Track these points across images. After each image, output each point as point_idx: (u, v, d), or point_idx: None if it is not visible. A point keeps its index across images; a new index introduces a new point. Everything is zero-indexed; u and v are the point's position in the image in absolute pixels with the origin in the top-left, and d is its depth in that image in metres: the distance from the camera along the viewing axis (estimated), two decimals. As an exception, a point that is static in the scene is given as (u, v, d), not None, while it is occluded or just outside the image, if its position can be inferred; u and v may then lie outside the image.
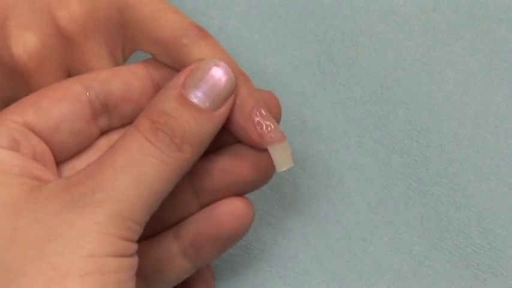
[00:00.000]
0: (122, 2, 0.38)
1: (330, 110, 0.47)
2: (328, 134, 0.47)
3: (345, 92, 0.48)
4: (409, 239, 0.44)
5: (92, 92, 0.37)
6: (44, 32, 0.38)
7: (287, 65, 0.48)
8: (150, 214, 0.34)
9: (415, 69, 0.48)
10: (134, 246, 0.33)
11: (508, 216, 0.45)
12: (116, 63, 0.40)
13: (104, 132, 0.38)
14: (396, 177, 0.46)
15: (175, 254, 0.38)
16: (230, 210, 0.38)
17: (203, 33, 0.37)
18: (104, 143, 0.38)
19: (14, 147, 0.35)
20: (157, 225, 0.38)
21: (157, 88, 0.38)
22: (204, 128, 0.35)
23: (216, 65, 0.36)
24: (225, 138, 0.38)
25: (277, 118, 0.38)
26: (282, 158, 0.37)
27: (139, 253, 0.35)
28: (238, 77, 0.37)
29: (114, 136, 0.38)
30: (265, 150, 0.37)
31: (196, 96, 0.35)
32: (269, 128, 0.37)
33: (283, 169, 0.37)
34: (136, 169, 0.33)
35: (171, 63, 0.38)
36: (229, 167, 0.38)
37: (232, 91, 0.36)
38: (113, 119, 0.38)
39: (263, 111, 0.37)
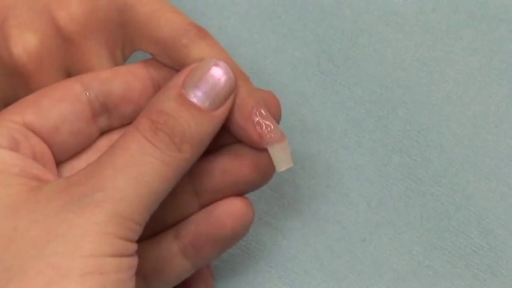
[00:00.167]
0: (121, 2, 0.38)
1: (329, 110, 0.47)
2: (327, 134, 0.47)
3: (344, 92, 0.48)
4: (409, 239, 0.44)
5: (92, 92, 0.37)
6: (44, 32, 0.38)
7: (287, 65, 0.48)
8: (150, 214, 0.34)
9: (415, 70, 0.48)
10: (134, 246, 0.33)
11: (507, 216, 0.45)
12: (116, 63, 0.40)
13: (103, 133, 0.38)
14: (396, 177, 0.46)
15: (175, 254, 0.38)
16: (230, 210, 0.38)
17: (203, 33, 0.37)
18: (103, 143, 0.38)
19: (14, 147, 0.35)
20: (157, 225, 0.38)
21: (157, 88, 0.38)
22: (204, 128, 0.35)
23: (216, 65, 0.36)
24: (225, 138, 0.38)
25: (277, 118, 0.38)
26: (281, 158, 0.37)
27: (140, 253, 0.35)
28: (238, 76, 0.37)
29: (114, 136, 0.38)
30: (265, 150, 0.37)
31: (196, 96, 0.35)
32: (269, 128, 0.37)
33: (283, 169, 0.37)
34: (136, 169, 0.33)
35: (170, 63, 0.38)
36: (229, 167, 0.38)
37: (232, 91, 0.36)
38: (113, 119, 0.38)
39: (263, 111, 0.37)
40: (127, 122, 0.38)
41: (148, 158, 0.33)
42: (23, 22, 0.38)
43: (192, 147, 0.35)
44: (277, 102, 0.38)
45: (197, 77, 0.35)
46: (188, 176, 0.38)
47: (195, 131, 0.35)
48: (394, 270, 0.44)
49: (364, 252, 0.44)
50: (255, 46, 0.49)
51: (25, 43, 0.38)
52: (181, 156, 0.34)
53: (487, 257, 0.44)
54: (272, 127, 0.37)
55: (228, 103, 0.36)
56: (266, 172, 0.38)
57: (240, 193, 0.38)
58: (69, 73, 0.39)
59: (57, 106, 0.37)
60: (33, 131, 0.36)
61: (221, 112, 0.36)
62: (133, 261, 0.33)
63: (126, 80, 0.38)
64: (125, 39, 0.39)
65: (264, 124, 0.37)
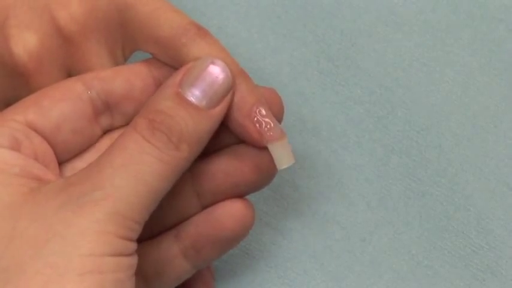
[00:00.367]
0: (121, 2, 0.38)
1: (329, 110, 0.47)
2: (327, 134, 0.47)
3: (344, 92, 0.48)
4: (408, 239, 0.44)
5: (93, 90, 0.37)
6: (44, 31, 0.38)
7: (286, 65, 0.48)
8: (149, 213, 0.34)
9: (414, 70, 0.48)
10: (133, 246, 0.33)
11: (507, 217, 0.45)
12: (116, 63, 0.39)
13: (106, 132, 0.38)
14: (395, 177, 0.46)
15: (175, 255, 0.38)
16: (230, 211, 0.38)
17: (202, 32, 0.37)
18: (106, 142, 0.38)
19: (15, 146, 0.35)
20: (159, 226, 0.38)
21: (159, 86, 0.38)
22: (202, 127, 0.35)
23: (213, 63, 0.36)
24: (226, 139, 0.38)
25: (279, 115, 0.38)
26: (282, 156, 0.37)
27: (140, 254, 0.35)
28: (238, 75, 0.36)
29: (116, 136, 0.38)
30: (266, 149, 0.37)
31: (193, 95, 0.35)
32: (268, 126, 0.37)
33: (284, 167, 0.37)
34: (135, 167, 0.33)
35: (171, 62, 0.38)
36: (231, 168, 0.38)
37: (230, 89, 0.36)
38: (115, 117, 0.38)
39: (262, 109, 0.37)
40: (129, 120, 0.38)
41: (146, 156, 0.33)
42: (23, 22, 0.38)
43: (190, 146, 0.34)
44: (279, 100, 0.38)
45: (194, 75, 0.35)
46: (190, 177, 0.38)
47: (192, 129, 0.35)
48: (393, 270, 0.44)
49: (364, 252, 0.44)
50: (254, 46, 0.49)
51: (25, 43, 0.38)
52: (180, 155, 0.34)
53: (487, 257, 0.44)
54: (272, 125, 0.37)
55: (226, 101, 0.36)
56: (268, 173, 0.38)
57: (242, 194, 0.38)
58: (69, 73, 0.39)
59: (59, 105, 0.37)
60: (36, 130, 0.36)
61: (219, 110, 0.36)
62: (133, 260, 0.33)
63: (127, 78, 0.38)
64: (125, 39, 0.39)
65: (263, 122, 0.36)
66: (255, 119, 0.36)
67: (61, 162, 0.37)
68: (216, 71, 0.36)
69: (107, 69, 0.38)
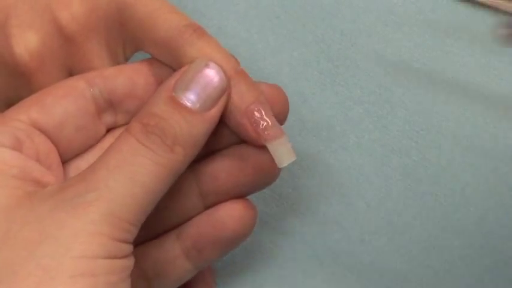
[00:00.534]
0: (121, 1, 0.38)
1: (328, 111, 0.47)
2: (327, 134, 0.47)
3: (343, 92, 0.48)
4: (408, 239, 0.44)
5: (96, 88, 0.37)
6: (45, 31, 0.38)
7: (286, 66, 0.48)
8: (146, 215, 0.34)
9: (414, 70, 0.48)
10: (128, 248, 0.33)
11: (507, 217, 0.45)
12: (117, 63, 0.40)
13: (110, 130, 0.39)
14: (395, 177, 0.46)
15: (177, 256, 0.38)
16: (232, 212, 0.38)
17: (199, 33, 0.37)
18: (110, 140, 0.38)
19: (17, 146, 0.35)
20: (162, 226, 0.38)
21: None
22: (196, 129, 0.35)
23: (207, 66, 0.36)
24: (229, 138, 0.38)
25: (284, 111, 0.38)
26: (281, 154, 0.37)
27: (143, 254, 0.35)
28: (235, 74, 0.36)
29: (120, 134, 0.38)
30: (266, 148, 0.37)
31: (187, 98, 0.35)
32: (265, 125, 0.36)
33: (285, 164, 0.37)
34: (129, 169, 0.33)
35: (169, 63, 0.38)
36: (234, 168, 0.38)
37: (224, 91, 0.36)
38: (118, 115, 0.38)
39: (260, 108, 0.37)
40: (132, 118, 0.38)
41: (141, 158, 0.33)
42: (25, 21, 0.38)
43: (184, 149, 0.34)
44: (282, 95, 0.38)
45: (188, 78, 0.35)
46: (193, 177, 0.38)
47: (186, 132, 0.35)
48: (393, 270, 0.44)
49: (364, 252, 0.44)
50: (254, 46, 0.49)
51: (27, 42, 0.38)
52: (175, 157, 0.34)
53: (487, 257, 0.44)
54: (269, 124, 0.36)
55: (221, 104, 0.36)
56: (271, 172, 0.38)
57: (245, 194, 0.38)
58: (71, 73, 0.39)
59: (62, 102, 0.37)
60: (39, 129, 0.36)
61: (214, 113, 0.36)
62: (127, 262, 0.33)
63: (129, 76, 0.38)
64: (126, 39, 0.39)
65: (260, 122, 0.36)
66: (252, 118, 0.36)
67: (65, 162, 0.37)
68: (211, 74, 0.36)
69: (110, 68, 0.38)
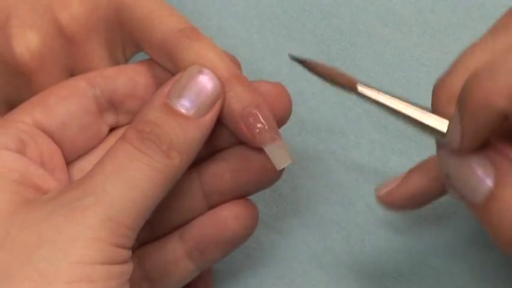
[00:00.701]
0: (119, 2, 0.38)
1: (328, 111, 0.47)
2: (326, 134, 0.47)
3: (343, 92, 0.48)
4: (408, 239, 0.44)
5: (97, 88, 0.37)
6: (46, 31, 0.38)
7: (285, 66, 0.48)
8: (143, 220, 0.34)
9: (414, 70, 0.48)
10: (126, 253, 0.33)
11: (506, 217, 0.45)
12: (117, 63, 0.40)
13: (112, 130, 0.39)
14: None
15: (180, 256, 0.38)
16: (234, 212, 0.38)
17: (195, 36, 0.37)
18: (113, 141, 0.38)
19: (21, 149, 0.35)
20: (166, 227, 0.38)
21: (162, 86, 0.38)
22: (191, 135, 0.35)
23: (200, 72, 0.36)
24: (232, 138, 0.38)
25: (286, 109, 0.38)
26: (278, 157, 0.37)
27: (146, 255, 0.35)
28: (231, 76, 0.36)
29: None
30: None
31: (181, 105, 0.35)
32: (261, 128, 0.36)
33: (281, 167, 0.37)
34: (126, 173, 0.33)
35: (165, 65, 0.38)
36: (238, 168, 0.38)
37: (218, 97, 0.36)
38: (119, 116, 0.38)
39: (256, 111, 0.36)
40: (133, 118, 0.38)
41: (137, 163, 0.33)
42: (26, 22, 0.38)
43: (180, 154, 0.34)
44: (285, 94, 0.38)
45: (181, 85, 0.35)
46: (197, 177, 0.38)
47: (182, 138, 0.35)
48: (393, 270, 0.44)
49: (363, 252, 0.44)
50: (253, 46, 0.49)
51: (27, 42, 0.38)
52: (171, 163, 0.34)
53: (487, 257, 0.44)
54: (266, 126, 0.36)
55: (215, 109, 0.36)
56: (274, 172, 0.38)
57: (248, 194, 0.39)
58: (71, 73, 0.39)
59: (64, 102, 0.37)
60: (43, 130, 0.36)
61: (208, 118, 0.36)
62: (126, 268, 0.33)
63: (130, 76, 0.38)
64: (125, 40, 0.39)
65: (256, 124, 0.36)
66: (248, 121, 0.36)
67: (69, 162, 0.37)
68: (204, 80, 0.36)
69: (110, 68, 0.38)
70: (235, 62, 0.38)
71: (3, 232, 0.32)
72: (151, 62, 0.38)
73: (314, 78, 0.48)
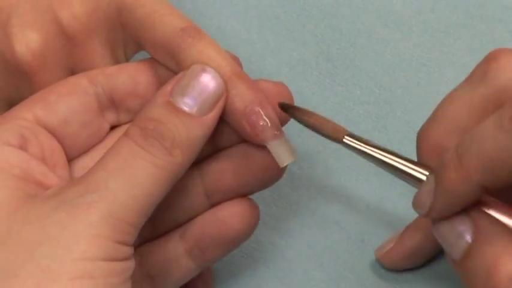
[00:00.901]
0: (120, 2, 0.38)
1: (328, 111, 0.47)
2: (326, 134, 0.47)
3: (343, 92, 0.48)
4: (408, 240, 0.44)
5: (99, 86, 0.37)
6: (47, 31, 0.38)
7: (285, 66, 0.48)
8: (145, 218, 0.34)
9: (414, 70, 0.48)
10: (128, 250, 0.33)
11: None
12: (118, 62, 0.40)
13: (113, 128, 0.39)
14: (395, 178, 0.45)
15: (181, 255, 0.38)
16: (235, 211, 0.38)
17: (197, 35, 0.37)
18: (114, 137, 0.38)
19: (22, 144, 0.35)
20: (167, 225, 0.38)
21: (163, 84, 0.38)
22: (194, 133, 0.35)
23: (203, 71, 0.36)
24: (234, 137, 0.38)
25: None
26: (281, 154, 0.37)
27: (147, 253, 0.35)
28: (234, 75, 0.36)
29: (125, 130, 0.38)
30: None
31: (184, 103, 0.35)
32: (264, 126, 0.36)
33: (285, 164, 0.37)
34: (128, 171, 0.33)
35: (167, 65, 0.38)
36: (240, 166, 0.38)
37: (221, 95, 0.36)
38: (120, 114, 0.38)
39: (259, 109, 0.36)
40: (134, 116, 0.38)
41: (139, 161, 0.33)
42: (26, 21, 0.38)
43: (183, 152, 0.35)
44: (287, 92, 0.38)
45: (184, 84, 0.36)
46: (199, 176, 0.38)
47: (184, 136, 0.35)
48: (393, 271, 0.44)
49: (363, 253, 0.44)
50: (253, 46, 0.49)
51: (28, 42, 0.38)
52: (173, 160, 0.34)
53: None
54: (268, 124, 0.36)
55: (218, 108, 0.36)
56: (275, 171, 0.38)
57: (250, 192, 0.39)
58: (72, 72, 0.39)
59: (66, 99, 0.37)
60: (44, 127, 0.36)
61: (211, 117, 0.36)
62: (128, 265, 0.33)
63: (132, 75, 0.38)
64: (126, 39, 0.39)
65: (259, 122, 0.36)
66: (251, 119, 0.36)
67: (70, 159, 0.37)
68: (207, 79, 0.36)
69: (112, 66, 0.38)
70: (236, 60, 0.38)
71: (5, 228, 0.32)
72: (152, 60, 0.38)
73: (314, 78, 0.48)
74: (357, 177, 0.46)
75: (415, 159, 0.40)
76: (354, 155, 0.44)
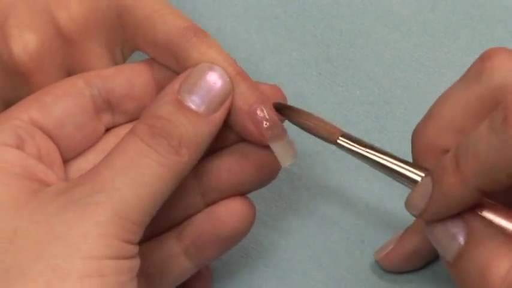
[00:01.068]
0: (120, 3, 0.38)
1: (328, 111, 0.47)
2: (326, 134, 0.47)
3: (342, 93, 0.48)
4: (408, 240, 0.44)
5: (95, 88, 0.37)
6: (44, 32, 0.38)
7: (285, 66, 0.48)
8: (151, 216, 0.34)
9: (413, 70, 0.48)
10: (134, 249, 0.33)
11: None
12: (115, 63, 0.40)
13: (109, 129, 0.39)
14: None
15: (177, 254, 0.38)
16: (231, 210, 0.38)
17: (200, 35, 0.37)
18: (110, 140, 0.38)
19: (20, 145, 0.35)
20: (163, 225, 0.39)
21: (160, 86, 0.38)
22: (201, 132, 0.35)
23: (211, 69, 0.36)
24: (230, 137, 0.38)
25: None
26: (284, 154, 0.37)
27: (144, 253, 0.35)
28: (237, 75, 0.37)
29: (121, 132, 0.38)
30: (269, 147, 0.37)
31: (192, 101, 0.35)
32: (267, 125, 0.37)
33: (287, 164, 0.37)
34: (135, 170, 0.33)
35: (169, 65, 0.38)
36: (235, 166, 0.38)
37: (228, 94, 0.36)
38: (116, 116, 0.38)
39: (262, 108, 0.37)
40: (130, 119, 0.38)
41: (146, 160, 0.33)
42: (23, 22, 0.38)
43: (189, 151, 0.35)
44: (282, 96, 0.39)
45: (192, 82, 0.36)
46: (194, 175, 0.38)
47: (192, 134, 0.35)
48: (393, 271, 0.44)
49: (363, 253, 0.44)
50: (253, 47, 0.49)
51: (25, 43, 0.38)
52: (180, 159, 0.34)
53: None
54: (272, 124, 0.37)
55: (225, 107, 0.36)
56: (271, 170, 0.38)
57: (246, 192, 0.39)
58: (69, 73, 0.39)
59: (61, 101, 0.37)
60: (40, 128, 0.36)
61: (218, 116, 0.36)
62: (134, 263, 0.33)
63: (128, 77, 0.38)
64: (125, 40, 0.39)
65: (263, 121, 0.37)
66: (255, 118, 0.36)
67: (66, 161, 0.37)
68: (214, 78, 0.36)
69: (108, 68, 0.38)
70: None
71: (13, 226, 0.32)
72: (149, 62, 0.38)
73: (314, 78, 0.48)
74: (357, 178, 0.46)
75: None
76: (354, 155, 0.44)
